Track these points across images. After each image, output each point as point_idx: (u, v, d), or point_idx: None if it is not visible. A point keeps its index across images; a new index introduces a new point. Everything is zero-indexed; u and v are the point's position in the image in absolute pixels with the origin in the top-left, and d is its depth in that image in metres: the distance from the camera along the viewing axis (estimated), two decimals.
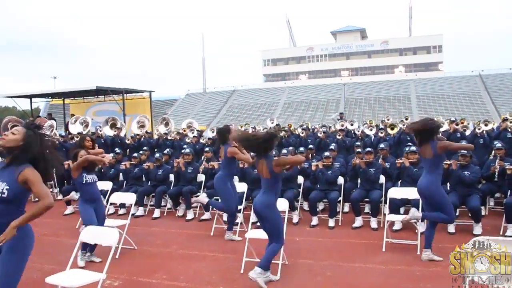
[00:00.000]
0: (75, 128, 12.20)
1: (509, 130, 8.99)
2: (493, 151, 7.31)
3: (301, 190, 7.57)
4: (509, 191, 6.61)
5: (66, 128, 14.01)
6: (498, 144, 7.26)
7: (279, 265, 4.80)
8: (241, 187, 7.05)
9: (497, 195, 7.78)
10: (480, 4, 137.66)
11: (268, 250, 4.52)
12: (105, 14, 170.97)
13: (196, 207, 8.22)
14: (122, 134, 11.64)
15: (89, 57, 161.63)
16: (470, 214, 6.36)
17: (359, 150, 7.65)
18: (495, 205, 7.71)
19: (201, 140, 11.25)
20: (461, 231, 6.30)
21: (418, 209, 5.67)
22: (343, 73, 68.09)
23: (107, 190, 7.30)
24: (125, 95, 16.36)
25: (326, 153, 7.43)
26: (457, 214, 6.47)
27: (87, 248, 5.38)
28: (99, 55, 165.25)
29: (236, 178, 7.62)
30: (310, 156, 8.50)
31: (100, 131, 11.53)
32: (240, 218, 6.68)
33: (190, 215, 7.84)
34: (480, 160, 7.93)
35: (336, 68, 68.74)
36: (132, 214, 6.89)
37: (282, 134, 10.78)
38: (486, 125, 9.65)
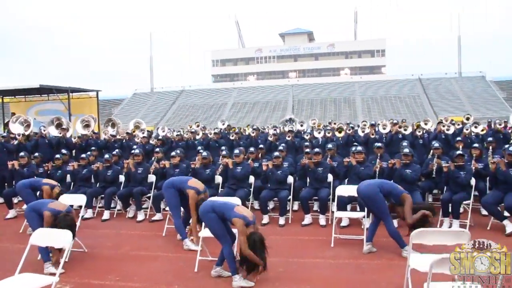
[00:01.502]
0: (16, 129, 11.62)
1: (442, 132, 9.62)
2: (431, 151, 7.79)
3: (252, 189, 7.71)
4: (445, 187, 7.09)
5: (6, 128, 13.29)
6: (435, 144, 7.80)
7: None
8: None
9: (435, 191, 8.31)
10: (420, 11, 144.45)
11: (225, 257, 4.63)
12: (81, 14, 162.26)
13: (147, 208, 8.14)
14: (68, 135, 11.22)
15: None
16: None
17: (307, 150, 7.88)
18: (433, 201, 8.23)
19: (150, 141, 11.09)
20: (404, 225, 6.66)
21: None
22: (291, 74, 69.16)
23: None
24: (70, 94, 15.80)
25: (276, 153, 7.61)
26: None
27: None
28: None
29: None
30: (260, 156, 8.65)
31: (44, 131, 11.07)
32: None
33: (141, 216, 7.75)
34: (420, 159, 8.42)
35: (284, 69, 69.74)
36: (81, 217, 6.72)
37: (233, 137, 10.89)
38: (426, 124, 10.25)
